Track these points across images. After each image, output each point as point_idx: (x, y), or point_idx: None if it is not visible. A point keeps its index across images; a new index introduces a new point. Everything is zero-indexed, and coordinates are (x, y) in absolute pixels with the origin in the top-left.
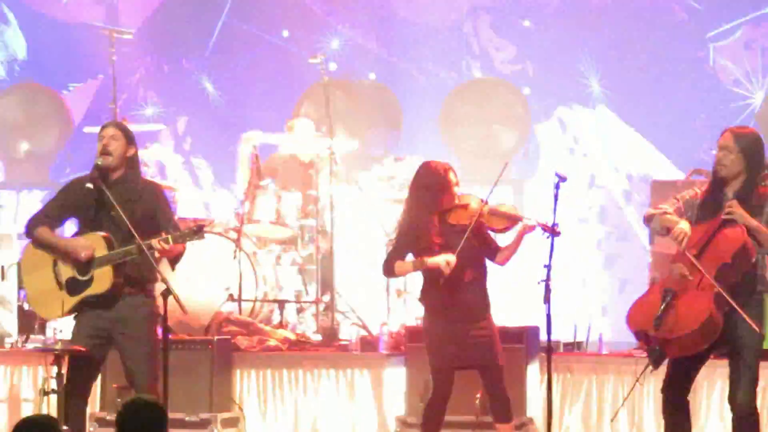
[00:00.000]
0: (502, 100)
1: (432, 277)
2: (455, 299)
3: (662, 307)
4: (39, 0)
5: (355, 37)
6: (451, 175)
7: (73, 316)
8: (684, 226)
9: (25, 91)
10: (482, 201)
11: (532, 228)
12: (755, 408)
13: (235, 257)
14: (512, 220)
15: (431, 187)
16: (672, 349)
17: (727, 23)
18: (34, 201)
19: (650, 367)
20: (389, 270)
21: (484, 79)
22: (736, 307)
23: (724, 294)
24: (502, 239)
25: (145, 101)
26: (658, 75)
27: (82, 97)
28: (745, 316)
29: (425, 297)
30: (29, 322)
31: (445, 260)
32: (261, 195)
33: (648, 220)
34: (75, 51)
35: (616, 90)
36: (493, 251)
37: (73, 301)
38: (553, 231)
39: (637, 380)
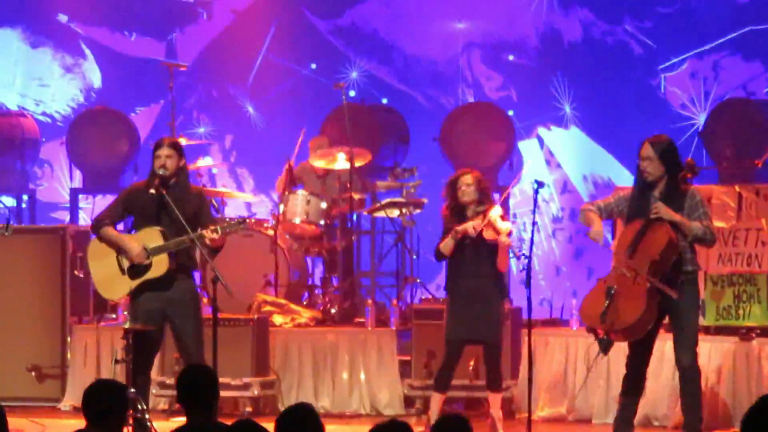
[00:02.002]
0: (491, 120)
1: (454, 259)
2: (472, 285)
3: (606, 303)
4: (111, 38)
5: (370, 69)
6: (463, 179)
7: (130, 299)
8: (597, 228)
9: (100, 114)
10: (497, 213)
11: (506, 247)
12: (698, 366)
13: (272, 250)
14: (497, 233)
15: (449, 188)
16: (617, 337)
17: (676, 57)
18: (107, 203)
19: (601, 354)
20: (438, 253)
21: (477, 103)
22: (665, 289)
23: (654, 282)
24: None
25: (198, 122)
26: (618, 100)
27: (147, 119)
28: (670, 291)
29: (449, 286)
30: (103, 303)
31: (471, 225)
32: (293, 199)
33: (580, 212)
34: (140, 80)
35: (585, 112)
36: (494, 255)
37: (134, 283)
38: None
39: (589, 369)
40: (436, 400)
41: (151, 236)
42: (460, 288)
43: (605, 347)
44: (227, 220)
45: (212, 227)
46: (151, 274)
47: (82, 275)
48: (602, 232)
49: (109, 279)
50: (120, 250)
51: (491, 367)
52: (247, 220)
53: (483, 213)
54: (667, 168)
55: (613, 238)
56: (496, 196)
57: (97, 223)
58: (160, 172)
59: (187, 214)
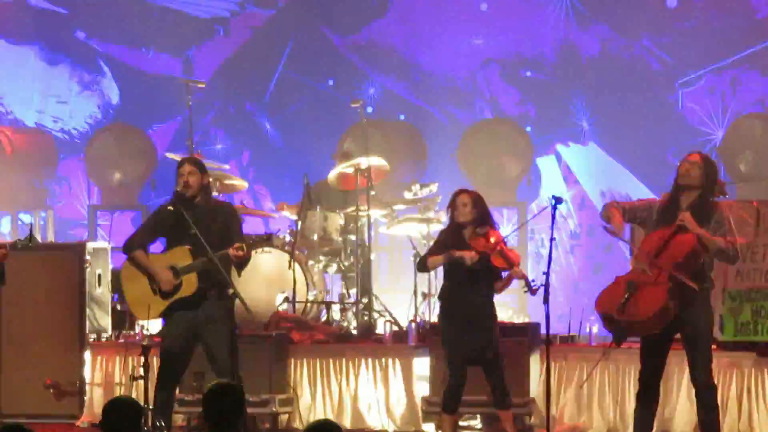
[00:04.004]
0: (509, 136)
1: (451, 279)
2: (469, 306)
3: (626, 296)
4: (129, 55)
5: (388, 85)
6: (460, 198)
7: (163, 317)
8: (617, 225)
9: (118, 131)
10: (500, 241)
11: (520, 277)
12: (713, 381)
13: (290, 266)
14: (509, 264)
15: (449, 206)
16: (633, 329)
17: (694, 72)
18: (125, 220)
19: (613, 344)
20: (423, 265)
21: (494, 119)
22: (688, 282)
23: (680, 276)
24: None
25: (215, 138)
26: (636, 116)
27: (164, 135)
28: (693, 284)
29: (443, 296)
30: (121, 320)
31: (469, 255)
32: (311, 215)
33: (603, 207)
34: (158, 97)
35: (603, 128)
36: (494, 278)
37: (165, 303)
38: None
39: (603, 355)
40: (448, 422)
41: (181, 255)
42: (456, 308)
43: (619, 337)
44: (253, 236)
45: (237, 245)
46: (181, 294)
47: (100, 292)
48: (622, 227)
49: (143, 300)
50: (150, 276)
51: (496, 384)
52: (273, 237)
53: (484, 236)
54: (704, 182)
55: (630, 254)
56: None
57: (128, 247)
58: (183, 191)
59: (212, 232)
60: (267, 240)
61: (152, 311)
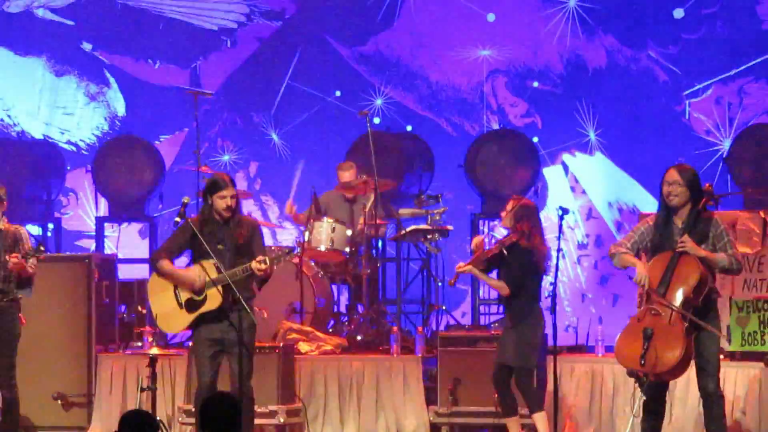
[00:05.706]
0: (516, 147)
1: None
2: (506, 310)
3: (645, 346)
4: (135, 66)
5: (395, 96)
6: (508, 205)
7: (192, 329)
8: (642, 270)
9: (125, 142)
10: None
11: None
12: (721, 392)
13: (297, 277)
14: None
15: None
16: (659, 378)
17: (700, 83)
18: (132, 232)
19: (643, 397)
20: None
21: (501, 130)
22: (703, 325)
23: (692, 318)
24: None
25: (222, 149)
26: (643, 126)
27: (171, 147)
28: (710, 328)
29: None
30: (128, 331)
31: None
32: (318, 226)
33: (611, 256)
34: (165, 108)
35: (610, 138)
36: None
37: (191, 317)
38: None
39: (633, 414)
40: (510, 425)
41: (207, 270)
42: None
43: (646, 389)
44: (275, 250)
45: (260, 258)
46: (205, 308)
47: (107, 302)
48: (647, 274)
49: (168, 314)
50: (179, 283)
51: (520, 390)
52: (294, 251)
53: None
54: (690, 195)
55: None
56: None
57: (154, 258)
58: (227, 214)
59: (239, 246)
60: (288, 254)
61: (177, 325)
